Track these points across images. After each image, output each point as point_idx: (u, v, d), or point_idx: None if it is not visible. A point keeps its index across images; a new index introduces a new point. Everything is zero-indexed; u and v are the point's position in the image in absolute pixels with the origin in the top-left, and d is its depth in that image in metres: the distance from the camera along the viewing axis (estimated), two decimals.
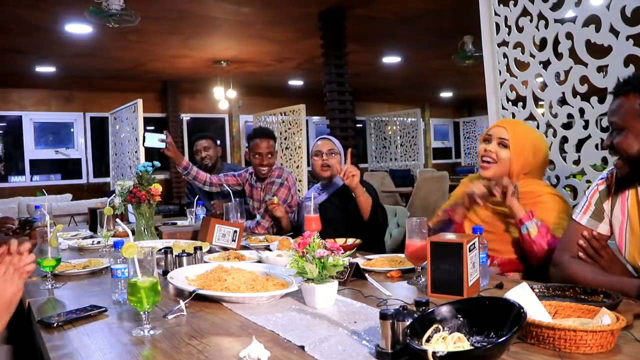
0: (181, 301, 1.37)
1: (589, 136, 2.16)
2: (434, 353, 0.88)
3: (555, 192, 1.94)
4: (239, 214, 2.56)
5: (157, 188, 2.55)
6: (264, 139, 3.09)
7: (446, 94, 13.54)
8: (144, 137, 3.04)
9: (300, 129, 6.44)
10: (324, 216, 2.23)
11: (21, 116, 9.12)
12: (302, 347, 1.07)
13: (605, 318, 1.05)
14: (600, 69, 2.08)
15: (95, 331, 1.25)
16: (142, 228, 2.56)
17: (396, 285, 1.61)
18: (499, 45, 2.51)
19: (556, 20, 2.24)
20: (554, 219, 1.81)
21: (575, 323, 1.06)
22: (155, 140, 3.03)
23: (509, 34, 2.45)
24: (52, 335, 1.22)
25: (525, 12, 2.37)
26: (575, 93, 2.21)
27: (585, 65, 2.13)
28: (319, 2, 5.68)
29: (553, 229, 1.77)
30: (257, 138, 3.11)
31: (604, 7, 2.03)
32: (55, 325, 1.26)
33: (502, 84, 2.53)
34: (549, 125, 2.35)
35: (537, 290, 1.33)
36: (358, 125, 10.80)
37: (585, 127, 2.17)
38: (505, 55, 2.49)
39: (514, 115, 2.50)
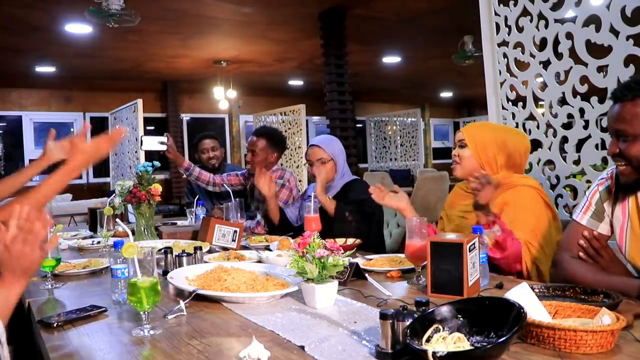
0: (181, 301, 1.37)
1: (589, 136, 2.16)
2: (434, 353, 0.88)
3: (531, 185, 1.90)
4: (239, 214, 2.56)
5: (157, 188, 2.55)
6: (254, 136, 3.13)
7: (446, 94, 13.54)
8: (141, 141, 3.04)
9: (300, 129, 6.44)
10: (324, 217, 2.22)
11: (21, 116, 9.13)
12: (302, 347, 1.07)
13: (606, 318, 1.05)
14: (600, 69, 2.08)
15: (95, 331, 1.25)
16: (142, 228, 2.56)
17: (396, 285, 1.61)
18: (499, 45, 2.51)
19: (556, 20, 2.24)
20: (522, 217, 1.81)
21: (576, 323, 1.06)
22: (154, 143, 3.03)
23: (509, 34, 2.45)
24: (52, 335, 1.22)
25: (525, 12, 2.37)
26: (575, 93, 2.21)
27: (585, 65, 2.13)
28: (319, 2, 5.68)
29: (516, 226, 1.77)
30: (251, 135, 3.17)
31: (604, 7, 2.03)
32: (55, 325, 1.26)
33: (502, 84, 2.53)
34: (549, 125, 2.35)
35: (537, 290, 1.33)
36: (358, 125, 10.79)
37: (585, 127, 2.18)
38: (505, 55, 2.49)
39: (514, 116, 2.50)
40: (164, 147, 3.05)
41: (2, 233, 1.09)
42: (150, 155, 5.36)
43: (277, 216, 2.74)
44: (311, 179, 2.73)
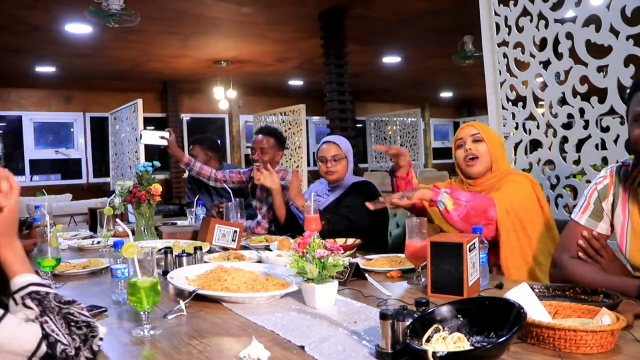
0: (181, 301, 1.37)
1: (589, 136, 2.16)
2: (434, 353, 0.88)
3: (527, 176, 1.97)
4: (239, 214, 2.56)
5: (157, 188, 2.55)
6: (261, 134, 3.10)
7: (446, 94, 13.54)
8: (140, 135, 3.03)
9: (300, 129, 6.44)
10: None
11: (21, 116, 9.13)
12: (302, 347, 1.07)
13: (605, 318, 1.05)
14: (600, 69, 2.08)
15: None
16: (142, 228, 2.56)
17: (396, 285, 1.61)
18: (499, 45, 2.51)
19: (556, 20, 2.24)
20: (507, 190, 1.85)
21: (575, 323, 1.06)
22: (155, 137, 3.02)
23: (509, 34, 2.45)
24: None
25: (525, 12, 2.37)
26: (575, 93, 2.21)
27: (585, 65, 2.13)
28: (319, 2, 5.68)
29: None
30: (256, 134, 3.15)
31: (604, 7, 2.03)
32: None
33: (502, 84, 2.53)
34: (549, 125, 2.35)
35: (537, 290, 1.33)
36: (358, 125, 10.80)
37: (585, 127, 2.18)
38: (505, 55, 2.49)
39: (514, 116, 2.50)
40: (164, 142, 3.02)
41: None
42: (150, 155, 5.36)
43: (284, 213, 2.70)
44: (311, 177, 2.71)
